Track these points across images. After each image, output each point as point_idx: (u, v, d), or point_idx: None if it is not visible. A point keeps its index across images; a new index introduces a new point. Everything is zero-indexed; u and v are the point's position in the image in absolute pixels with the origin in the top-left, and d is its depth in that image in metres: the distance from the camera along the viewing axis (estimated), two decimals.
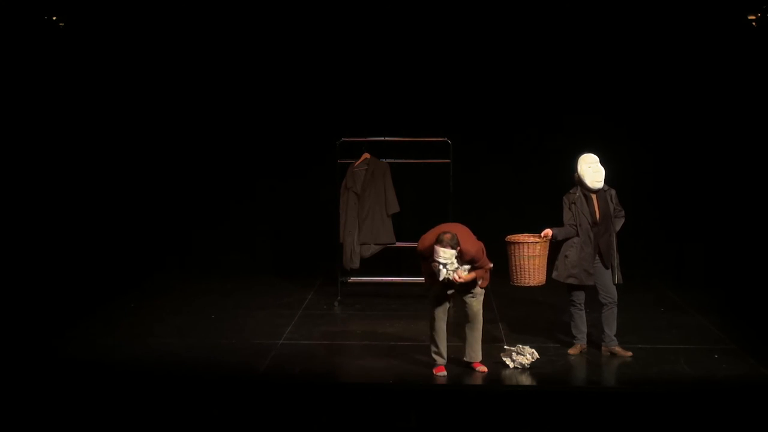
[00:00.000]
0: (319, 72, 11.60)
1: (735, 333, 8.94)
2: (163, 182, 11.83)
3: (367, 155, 10.43)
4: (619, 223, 8.38)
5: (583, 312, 8.39)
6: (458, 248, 7.45)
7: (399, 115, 11.38)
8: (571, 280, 8.24)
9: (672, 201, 11.50)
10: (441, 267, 7.43)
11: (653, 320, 9.58)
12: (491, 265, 7.82)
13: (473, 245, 7.61)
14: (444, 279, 7.49)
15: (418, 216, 10.38)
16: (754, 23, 10.69)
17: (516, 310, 9.90)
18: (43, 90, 11.38)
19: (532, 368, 7.94)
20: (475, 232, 7.76)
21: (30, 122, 11.35)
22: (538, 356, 8.03)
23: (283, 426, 7.19)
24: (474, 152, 11.31)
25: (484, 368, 7.89)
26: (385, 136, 10.45)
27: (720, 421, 7.10)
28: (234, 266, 11.71)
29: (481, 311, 7.88)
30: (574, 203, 8.27)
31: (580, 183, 8.29)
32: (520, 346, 8.09)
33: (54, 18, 11.12)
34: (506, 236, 8.24)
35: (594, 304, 8.50)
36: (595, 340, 8.52)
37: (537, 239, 8.16)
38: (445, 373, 7.79)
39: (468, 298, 7.80)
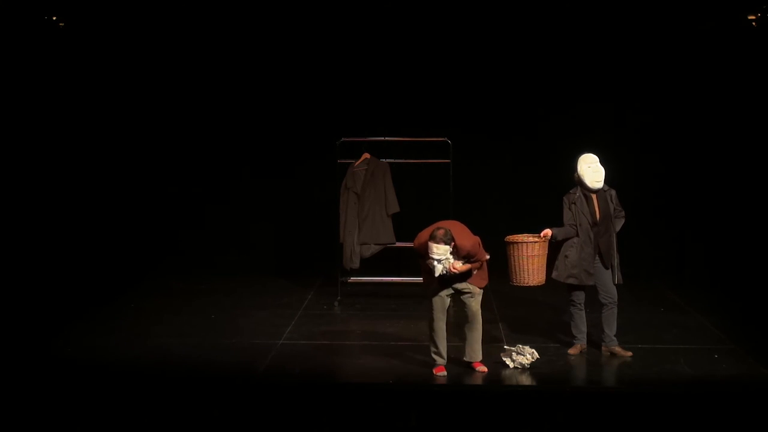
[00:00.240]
0: (319, 72, 11.60)
1: (735, 333, 8.94)
2: (163, 182, 11.83)
3: (367, 155, 10.43)
4: (619, 224, 8.38)
5: (583, 312, 8.39)
6: (452, 244, 7.49)
7: (399, 115, 11.38)
8: (571, 280, 8.24)
9: (672, 201, 11.51)
10: (436, 263, 7.49)
11: (653, 320, 9.58)
12: (488, 257, 7.83)
13: (468, 240, 7.64)
14: (440, 274, 7.53)
15: (418, 216, 10.33)
16: (754, 23, 10.69)
17: (516, 310, 9.90)
18: (42, 90, 11.37)
19: (532, 368, 7.94)
20: (475, 232, 7.78)
21: (30, 122, 11.34)
22: (538, 356, 8.03)
23: (283, 426, 7.19)
24: (474, 152, 11.31)
25: (484, 368, 7.89)
26: (385, 136, 10.45)
27: (720, 421, 7.10)
28: (234, 266, 11.70)
29: (480, 311, 7.88)
30: (574, 203, 8.27)
31: (580, 183, 8.29)
32: (520, 346, 8.09)
33: (54, 18, 11.12)
34: (506, 236, 8.24)
35: (594, 304, 8.50)
36: (595, 340, 8.52)
37: (536, 239, 8.16)
38: (445, 373, 7.79)
39: (467, 299, 7.81)
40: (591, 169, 8.23)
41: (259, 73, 11.68)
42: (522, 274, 8.18)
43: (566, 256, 8.24)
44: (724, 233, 11.24)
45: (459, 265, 7.60)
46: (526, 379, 7.77)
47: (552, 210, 8.49)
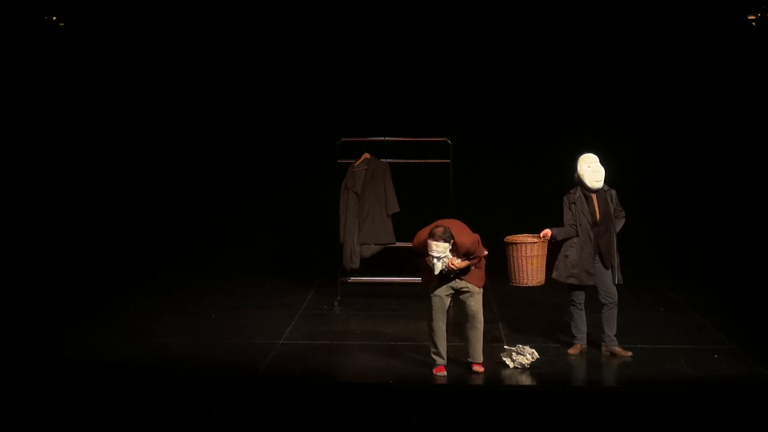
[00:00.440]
0: (318, 72, 11.60)
1: (735, 333, 8.93)
2: (163, 182, 11.83)
3: (367, 155, 10.43)
4: (619, 224, 8.37)
5: (583, 312, 8.39)
6: (452, 241, 7.50)
7: (399, 115, 11.38)
8: (571, 280, 8.24)
9: (672, 201, 11.50)
10: (435, 261, 7.50)
11: (653, 320, 9.58)
12: (486, 252, 7.83)
13: (468, 237, 7.65)
14: (440, 272, 7.54)
15: (418, 216, 10.33)
16: (754, 23, 10.69)
17: (516, 310, 9.89)
18: (42, 90, 11.38)
19: (532, 368, 7.94)
20: (474, 232, 7.77)
21: (30, 122, 11.35)
22: (538, 356, 8.03)
23: (283, 426, 7.19)
24: (474, 152, 11.31)
25: (480, 368, 7.88)
26: (385, 136, 10.45)
27: (720, 421, 7.10)
28: (234, 266, 11.70)
29: (480, 310, 7.87)
30: (574, 203, 8.27)
31: (580, 183, 8.29)
32: (520, 346, 8.09)
33: (54, 18, 11.12)
34: (505, 237, 8.24)
35: (594, 304, 8.49)
36: (595, 340, 8.51)
37: (535, 239, 8.15)
38: (445, 373, 7.79)
39: (466, 298, 7.81)
40: (591, 169, 8.22)
41: (260, 74, 11.68)
42: (521, 275, 8.18)
43: (566, 256, 8.24)
44: (724, 233, 11.23)
45: (457, 262, 7.61)
46: (526, 379, 7.77)
47: (552, 210, 8.49)
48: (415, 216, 10.52)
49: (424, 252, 7.61)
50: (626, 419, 7.18)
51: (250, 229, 11.90)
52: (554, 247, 8.29)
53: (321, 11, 11.35)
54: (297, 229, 11.83)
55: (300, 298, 10.57)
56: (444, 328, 7.84)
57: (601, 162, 8.27)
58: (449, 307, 7.91)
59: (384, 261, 10.71)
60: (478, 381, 7.74)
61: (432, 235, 7.49)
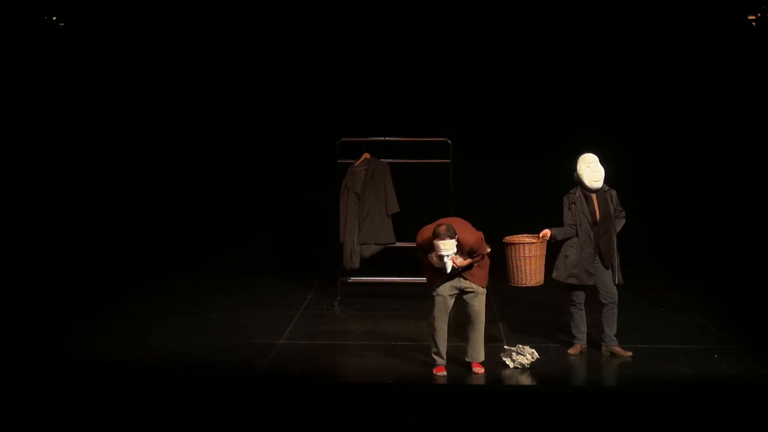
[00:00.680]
0: (319, 72, 11.60)
1: (735, 333, 8.93)
2: (163, 182, 11.84)
3: (367, 155, 10.43)
4: (619, 224, 8.37)
5: (583, 312, 8.39)
6: (456, 237, 7.47)
7: (399, 115, 11.38)
8: (571, 280, 8.24)
9: (673, 201, 11.50)
10: (446, 258, 7.46)
11: (653, 320, 9.58)
12: (489, 250, 7.82)
13: (471, 235, 7.64)
14: (451, 270, 7.51)
15: (418, 216, 10.33)
16: (754, 23, 10.69)
17: (516, 310, 9.89)
18: (43, 90, 11.38)
19: (532, 368, 7.94)
20: (478, 230, 7.78)
21: (30, 122, 11.35)
22: (538, 356, 8.03)
23: (283, 426, 7.19)
24: (474, 152, 11.31)
25: (480, 369, 7.88)
26: (385, 136, 10.45)
27: (720, 421, 7.10)
28: (234, 266, 11.70)
29: (483, 311, 7.86)
30: (574, 203, 8.27)
31: (580, 183, 8.29)
32: (520, 346, 8.09)
33: (54, 18, 11.12)
34: (504, 237, 8.24)
35: (594, 304, 8.50)
36: (595, 340, 8.52)
37: (533, 240, 8.15)
38: (445, 373, 7.79)
39: (470, 298, 7.80)
40: (590, 169, 8.22)
41: (260, 74, 11.68)
42: (520, 275, 8.18)
43: (566, 256, 8.24)
44: (724, 233, 11.23)
45: (460, 260, 7.60)
46: (526, 379, 7.77)
47: (552, 210, 8.49)
48: (415, 216, 10.52)
49: (428, 249, 7.59)
50: (626, 419, 7.18)
51: (250, 229, 11.90)
52: (554, 247, 8.29)
53: (321, 12, 11.35)
54: (297, 229, 11.83)
55: (300, 298, 10.57)
56: (445, 328, 7.84)
57: (601, 162, 8.27)
58: (450, 307, 7.88)
59: (384, 261, 10.71)
60: (478, 381, 7.74)
61: (436, 235, 7.44)
